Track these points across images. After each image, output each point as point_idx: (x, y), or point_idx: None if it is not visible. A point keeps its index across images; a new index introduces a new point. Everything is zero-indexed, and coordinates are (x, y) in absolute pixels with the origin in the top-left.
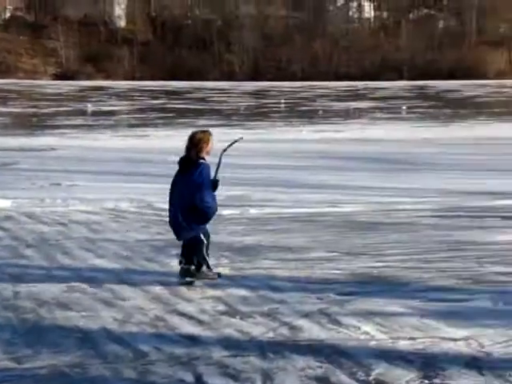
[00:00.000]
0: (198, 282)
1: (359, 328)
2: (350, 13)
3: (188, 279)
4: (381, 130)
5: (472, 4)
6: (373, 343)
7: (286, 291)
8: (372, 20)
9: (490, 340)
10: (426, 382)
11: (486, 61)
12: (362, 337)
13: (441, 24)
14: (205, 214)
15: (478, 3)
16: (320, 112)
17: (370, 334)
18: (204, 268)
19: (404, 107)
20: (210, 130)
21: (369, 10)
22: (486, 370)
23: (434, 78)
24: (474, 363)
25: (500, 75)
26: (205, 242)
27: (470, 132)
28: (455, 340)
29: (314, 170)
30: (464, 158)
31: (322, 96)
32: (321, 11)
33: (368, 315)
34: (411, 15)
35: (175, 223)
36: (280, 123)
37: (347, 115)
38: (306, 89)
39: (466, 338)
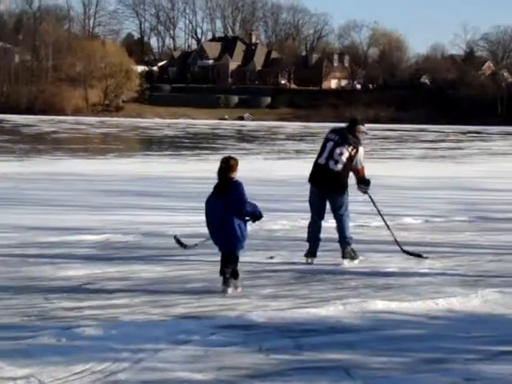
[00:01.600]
0: None
1: None
2: None
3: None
4: None
5: (47, 41)
6: None
7: None
8: None
9: (51, 376)
10: None
11: (64, 97)
12: None
13: (17, 58)
14: (256, 211)
15: (54, 41)
16: None
17: None
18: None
19: None
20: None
21: None
22: None
23: (10, 112)
24: None
25: (77, 111)
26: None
27: (46, 167)
28: (15, 379)
29: None
30: (38, 193)
31: None
32: None
33: None
34: None
35: (231, 235)
36: None
37: None
38: None
39: (26, 376)
